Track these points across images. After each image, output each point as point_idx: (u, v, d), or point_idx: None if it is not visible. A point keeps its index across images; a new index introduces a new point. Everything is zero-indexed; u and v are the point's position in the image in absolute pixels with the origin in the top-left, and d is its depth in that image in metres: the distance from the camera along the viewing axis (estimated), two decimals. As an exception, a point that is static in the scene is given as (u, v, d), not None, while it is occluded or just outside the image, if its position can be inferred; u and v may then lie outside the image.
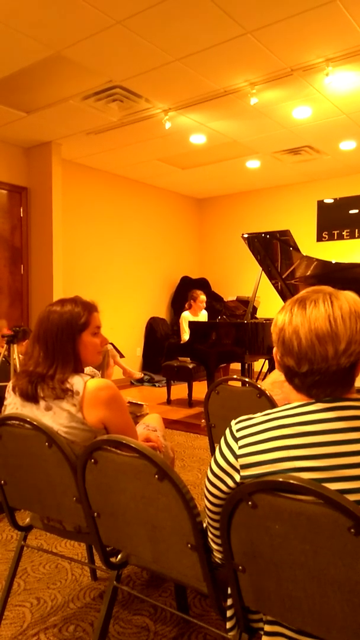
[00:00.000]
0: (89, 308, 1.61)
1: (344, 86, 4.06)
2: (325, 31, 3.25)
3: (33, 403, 1.51)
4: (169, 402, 5.54)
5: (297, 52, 3.51)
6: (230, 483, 0.97)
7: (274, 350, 1.03)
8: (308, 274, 4.38)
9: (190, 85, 4.06)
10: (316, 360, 0.93)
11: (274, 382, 2.39)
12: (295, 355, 0.95)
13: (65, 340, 1.54)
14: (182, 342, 5.71)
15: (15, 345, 3.13)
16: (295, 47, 3.45)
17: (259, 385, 2.18)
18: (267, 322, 4.67)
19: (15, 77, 3.94)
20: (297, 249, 4.24)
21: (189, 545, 1.13)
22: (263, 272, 4.62)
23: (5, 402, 1.61)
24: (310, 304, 0.95)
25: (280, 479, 0.88)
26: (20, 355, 3.16)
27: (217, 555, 1.09)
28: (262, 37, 3.32)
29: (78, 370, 1.55)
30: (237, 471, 0.96)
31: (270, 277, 4.66)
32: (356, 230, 6.79)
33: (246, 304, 5.11)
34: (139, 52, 3.52)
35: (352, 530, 0.81)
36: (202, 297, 5.83)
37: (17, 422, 1.46)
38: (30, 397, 1.51)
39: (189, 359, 5.25)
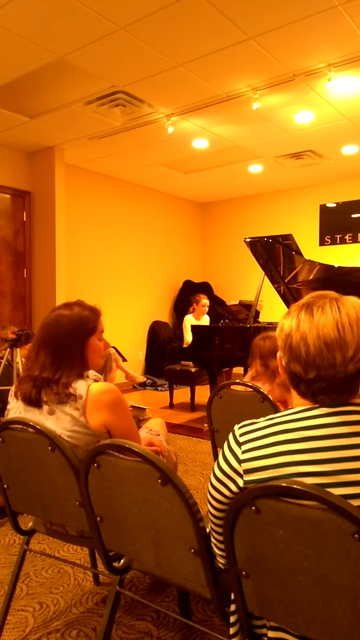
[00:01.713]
0: (96, 312, 1.62)
1: (346, 91, 4.07)
2: (327, 36, 3.27)
3: (36, 407, 1.51)
4: (171, 406, 5.54)
5: (299, 57, 3.53)
6: (234, 488, 0.97)
7: (278, 355, 1.03)
8: (310, 278, 4.38)
9: (193, 90, 4.08)
10: (324, 367, 0.93)
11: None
12: (302, 362, 0.94)
13: (75, 344, 1.54)
14: (184, 344, 5.71)
15: (18, 349, 3.14)
16: (297, 53, 3.47)
17: (261, 389, 2.17)
18: (270, 326, 4.67)
19: (18, 82, 3.97)
20: (299, 253, 4.24)
21: (192, 550, 1.13)
22: (266, 276, 4.62)
23: (8, 407, 1.61)
24: (318, 310, 0.95)
25: (284, 484, 0.87)
26: (22, 359, 3.16)
27: (221, 560, 1.09)
28: (265, 43, 3.34)
29: (82, 374, 1.55)
30: (241, 476, 0.95)
31: (273, 281, 4.66)
32: (358, 234, 6.79)
33: (249, 308, 5.11)
34: (142, 57, 3.54)
35: (357, 535, 0.81)
36: (205, 300, 5.82)
37: (20, 426, 1.46)
38: (34, 401, 1.51)
39: (191, 363, 5.25)
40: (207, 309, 5.89)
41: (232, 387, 2.33)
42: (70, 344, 1.53)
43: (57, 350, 1.53)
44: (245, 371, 4.63)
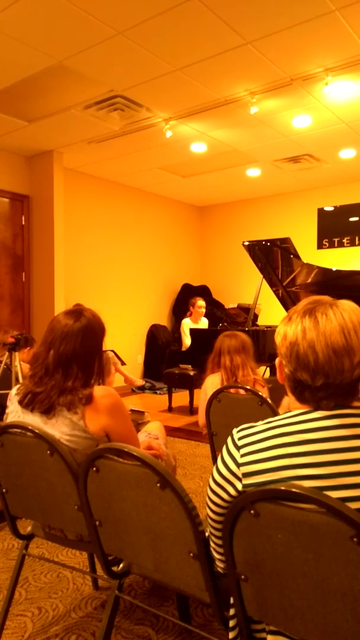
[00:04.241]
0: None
1: (344, 95, 4.09)
2: (324, 41, 3.28)
3: (37, 411, 1.50)
4: (170, 409, 5.53)
5: (297, 61, 3.54)
6: (232, 491, 0.97)
7: (278, 362, 1.02)
8: (309, 281, 4.39)
9: (191, 95, 4.09)
10: (332, 374, 0.93)
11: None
12: (311, 370, 0.94)
13: (99, 351, 1.55)
14: (183, 348, 5.70)
15: (16, 353, 3.13)
16: (294, 57, 3.48)
17: (260, 393, 2.18)
18: (269, 330, 4.67)
19: (17, 87, 3.98)
20: (297, 257, 4.25)
21: (191, 554, 1.13)
22: (264, 280, 4.63)
23: (7, 410, 1.61)
24: (322, 317, 0.95)
25: (283, 487, 0.88)
26: (21, 363, 3.16)
27: (220, 564, 1.09)
28: (262, 47, 3.35)
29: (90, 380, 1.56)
30: (239, 479, 0.96)
31: (271, 285, 4.67)
32: (356, 237, 6.81)
33: (247, 311, 5.12)
34: (140, 62, 3.55)
35: (355, 539, 0.81)
36: (200, 302, 5.82)
37: (19, 430, 1.46)
38: (34, 405, 1.50)
39: (190, 366, 5.25)
40: (203, 310, 5.88)
41: (231, 390, 2.33)
42: (95, 350, 1.55)
43: (78, 359, 1.52)
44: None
